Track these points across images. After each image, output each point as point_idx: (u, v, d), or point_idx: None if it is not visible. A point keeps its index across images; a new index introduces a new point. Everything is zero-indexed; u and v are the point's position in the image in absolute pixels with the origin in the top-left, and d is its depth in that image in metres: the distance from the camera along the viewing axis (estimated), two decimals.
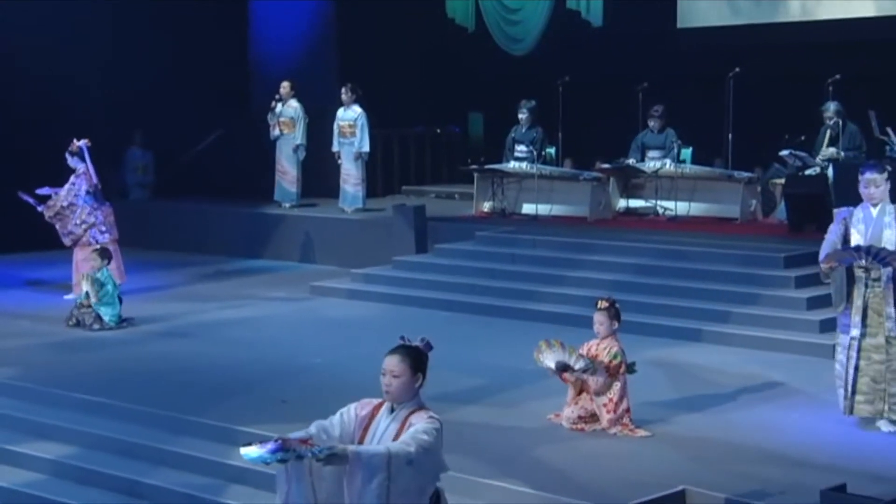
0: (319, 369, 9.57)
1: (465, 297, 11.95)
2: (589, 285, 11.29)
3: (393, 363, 4.95)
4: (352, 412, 5.02)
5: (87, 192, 12.22)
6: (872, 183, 7.63)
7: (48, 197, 12.33)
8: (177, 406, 8.56)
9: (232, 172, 17.07)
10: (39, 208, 12.30)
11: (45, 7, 15.93)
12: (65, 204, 12.23)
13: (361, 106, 15.04)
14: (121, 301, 11.40)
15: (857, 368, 7.63)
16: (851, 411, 7.70)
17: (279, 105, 15.53)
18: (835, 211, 7.95)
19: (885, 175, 7.67)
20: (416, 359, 4.98)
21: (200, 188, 17.11)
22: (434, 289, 12.32)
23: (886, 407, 7.60)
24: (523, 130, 14.46)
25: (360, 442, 4.92)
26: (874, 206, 7.64)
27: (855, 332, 7.62)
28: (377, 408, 5.02)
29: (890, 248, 7.49)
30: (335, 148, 15.16)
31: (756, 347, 9.96)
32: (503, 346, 10.14)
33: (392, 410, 4.97)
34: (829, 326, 9.27)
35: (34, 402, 9.08)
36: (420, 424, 4.83)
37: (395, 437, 4.85)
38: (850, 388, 7.65)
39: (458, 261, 12.90)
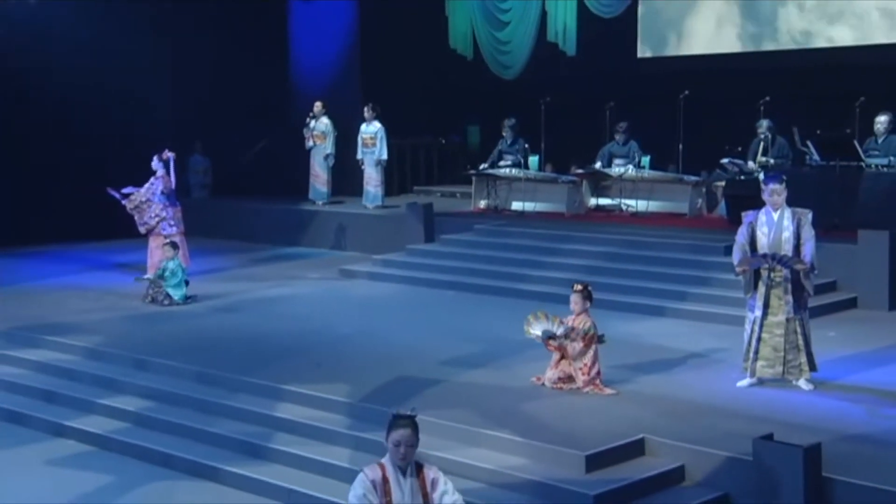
0: (347, 338, 9.57)
1: (465, 278, 11.95)
2: (566, 269, 11.31)
3: (408, 436, 4.58)
4: (368, 483, 4.58)
5: (162, 193, 12.22)
6: (775, 192, 7.63)
7: (131, 193, 12.37)
8: (232, 367, 8.58)
9: (274, 176, 17.08)
10: (123, 202, 12.32)
11: (124, 44, 16.01)
12: (143, 199, 12.23)
13: (381, 121, 15.02)
14: (187, 283, 11.43)
15: (759, 339, 7.71)
16: (754, 373, 7.76)
17: (313, 121, 15.51)
18: (742, 214, 7.90)
19: (784, 185, 7.69)
20: (418, 427, 4.66)
21: (249, 188, 17.12)
22: (440, 272, 12.32)
23: (783, 369, 7.68)
24: (508, 143, 14.47)
25: None
26: (775, 210, 7.67)
27: (758, 312, 7.71)
28: (382, 468, 4.63)
29: (788, 246, 7.55)
30: (359, 156, 15.15)
31: (703, 321, 9.97)
32: (497, 319, 10.14)
33: (403, 472, 4.63)
34: None
35: (118, 364, 9.13)
36: (453, 492, 4.66)
37: (423, 495, 4.62)
38: (752, 355, 7.74)
39: (460, 249, 12.90)
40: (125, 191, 12.33)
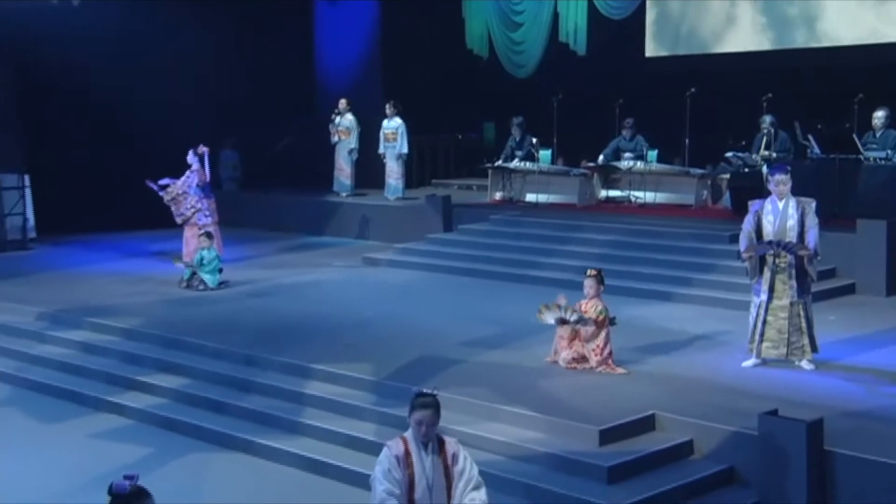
0: (371, 321, 9.60)
1: (481, 265, 11.95)
2: (578, 257, 11.28)
3: (429, 416, 4.56)
4: (392, 459, 4.57)
5: (198, 185, 12.24)
6: (781, 182, 7.61)
7: (168, 185, 12.40)
8: (263, 348, 8.62)
9: (301, 169, 17.09)
10: (160, 193, 12.35)
11: (162, 46, 16.05)
12: (180, 192, 12.26)
13: (401, 118, 15.01)
14: (221, 270, 11.46)
15: (765, 322, 7.69)
16: (759, 354, 7.73)
17: (338, 117, 15.50)
18: (749, 203, 7.87)
19: (789, 175, 7.66)
20: (439, 406, 4.64)
21: (277, 181, 17.14)
22: (458, 259, 12.32)
23: (787, 351, 7.66)
24: (517, 140, 14.44)
25: (411, 479, 4.56)
26: (780, 199, 7.62)
27: (763, 296, 7.69)
28: (405, 442, 4.62)
29: (793, 233, 7.53)
30: (381, 150, 15.15)
31: (709, 305, 9.95)
32: (512, 303, 10.15)
33: (425, 447, 4.61)
34: None
35: (156, 345, 9.19)
36: (470, 469, 4.64)
37: (444, 468, 4.61)
38: (758, 337, 7.72)
39: (477, 238, 12.89)
40: (162, 182, 12.37)
